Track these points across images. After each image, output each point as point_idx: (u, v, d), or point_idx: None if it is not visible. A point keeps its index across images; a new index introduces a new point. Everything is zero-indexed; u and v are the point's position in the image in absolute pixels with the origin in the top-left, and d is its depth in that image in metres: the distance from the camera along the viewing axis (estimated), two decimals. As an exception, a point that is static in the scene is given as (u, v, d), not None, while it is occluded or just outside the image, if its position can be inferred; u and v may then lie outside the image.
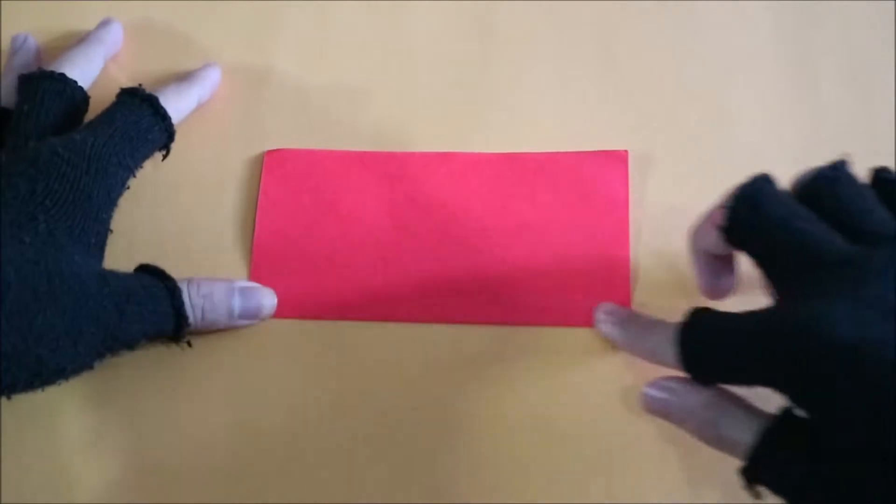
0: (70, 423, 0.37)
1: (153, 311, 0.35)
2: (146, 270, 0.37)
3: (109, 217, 0.38)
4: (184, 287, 0.36)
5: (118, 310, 0.34)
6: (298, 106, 0.44)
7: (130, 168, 0.39)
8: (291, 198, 0.41)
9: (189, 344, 0.38)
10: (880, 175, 0.31)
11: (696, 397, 0.31)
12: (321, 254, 0.40)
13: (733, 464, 0.29)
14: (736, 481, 0.29)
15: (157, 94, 0.40)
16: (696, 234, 0.34)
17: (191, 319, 0.36)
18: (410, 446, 0.36)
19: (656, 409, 0.33)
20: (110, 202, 0.38)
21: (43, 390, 0.34)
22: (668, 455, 0.35)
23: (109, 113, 0.39)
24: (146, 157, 0.40)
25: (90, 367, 0.35)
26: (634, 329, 0.35)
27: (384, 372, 0.38)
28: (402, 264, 0.39)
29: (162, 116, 0.40)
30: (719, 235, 0.32)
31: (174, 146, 0.42)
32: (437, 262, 0.39)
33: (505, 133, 0.42)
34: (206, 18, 0.46)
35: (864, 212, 0.30)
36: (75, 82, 0.41)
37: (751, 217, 0.31)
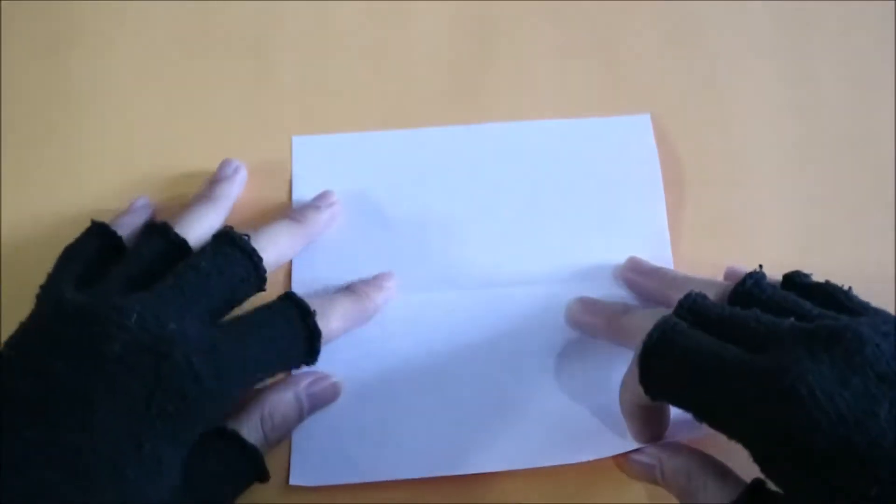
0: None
1: None
2: (222, 436, 0.32)
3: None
4: (256, 422, 0.33)
5: None
6: (298, 106, 0.44)
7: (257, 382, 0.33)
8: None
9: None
10: (794, 279, 0.32)
11: (675, 463, 0.32)
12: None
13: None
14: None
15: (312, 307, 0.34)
16: (622, 389, 0.33)
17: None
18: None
19: (641, 473, 0.34)
20: (221, 415, 0.32)
21: None
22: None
23: (260, 318, 0.33)
24: (279, 371, 0.35)
25: None
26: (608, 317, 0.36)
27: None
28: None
29: (311, 333, 0.34)
30: (640, 388, 0.31)
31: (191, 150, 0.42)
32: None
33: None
34: (207, 18, 0.46)
35: (796, 299, 0.30)
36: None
37: (662, 363, 0.29)
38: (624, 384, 0.33)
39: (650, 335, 0.30)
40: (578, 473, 0.35)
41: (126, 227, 0.37)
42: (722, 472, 0.31)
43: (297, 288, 0.38)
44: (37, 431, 0.27)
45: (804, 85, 0.43)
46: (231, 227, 0.34)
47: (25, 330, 0.32)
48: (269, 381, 0.35)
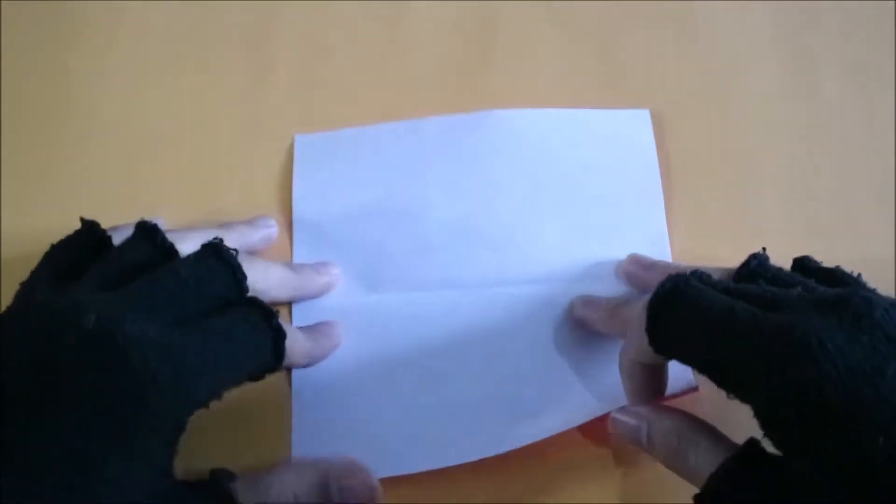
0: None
1: None
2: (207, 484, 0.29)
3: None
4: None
5: None
6: (298, 106, 0.44)
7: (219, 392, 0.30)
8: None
9: None
10: (803, 263, 0.32)
11: (665, 424, 0.31)
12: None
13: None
14: None
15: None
16: (624, 347, 0.33)
17: None
18: None
19: (626, 435, 0.33)
20: (184, 422, 0.29)
21: None
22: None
23: (223, 320, 0.30)
24: (245, 375, 0.31)
25: None
26: (607, 306, 0.36)
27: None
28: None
29: (276, 334, 0.32)
30: (646, 339, 0.30)
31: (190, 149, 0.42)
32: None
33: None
34: (207, 18, 0.46)
35: (798, 278, 0.30)
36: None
37: (677, 299, 0.29)
38: (628, 340, 0.33)
39: (662, 285, 0.30)
40: (578, 473, 0.35)
41: (125, 232, 0.34)
42: (714, 435, 0.30)
43: None
44: None
45: (804, 84, 0.43)
46: (221, 240, 0.32)
47: None
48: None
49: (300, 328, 0.37)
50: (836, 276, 0.30)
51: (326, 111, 0.43)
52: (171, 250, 0.32)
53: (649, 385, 0.33)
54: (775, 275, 0.31)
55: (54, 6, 0.46)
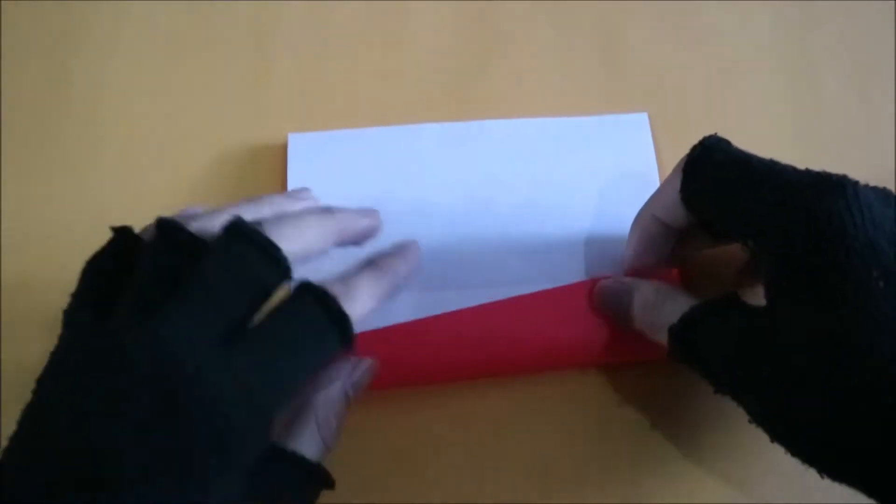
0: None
1: None
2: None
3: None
4: (313, 430, 0.30)
5: None
6: (297, 104, 0.44)
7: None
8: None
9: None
10: None
11: (646, 285, 0.33)
12: None
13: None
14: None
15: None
16: (648, 201, 0.35)
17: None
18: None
19: (610, 302, 0.35)
20: (266, 441, 0.28)
21: None
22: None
23: (282, 323, 0.28)
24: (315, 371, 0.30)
25: None
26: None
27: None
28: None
29: (340, 320, 0.29)
30: (677, 193, 0.32)
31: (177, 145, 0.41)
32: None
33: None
34: (206, 17, 0.46)
35: None
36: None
37: (715, 152, 0.31)
38: (654, 195, 0.34)
39: (693, 148, 0.32)
40: (576, 473, 0.35)
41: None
42: (692, 295, 0.32)
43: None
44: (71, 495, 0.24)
45: (804, 85, 0.43)
46: (240, 218, 0.29)
47: (54, 370, 0.28)
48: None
49: (366, 269, 0.32)
50: None
51: (326, 111, 0.43)
52: (196, 244, 0.28)
53: (657, 246, 0.34)
54: None
55: (55, 6, 0.46)
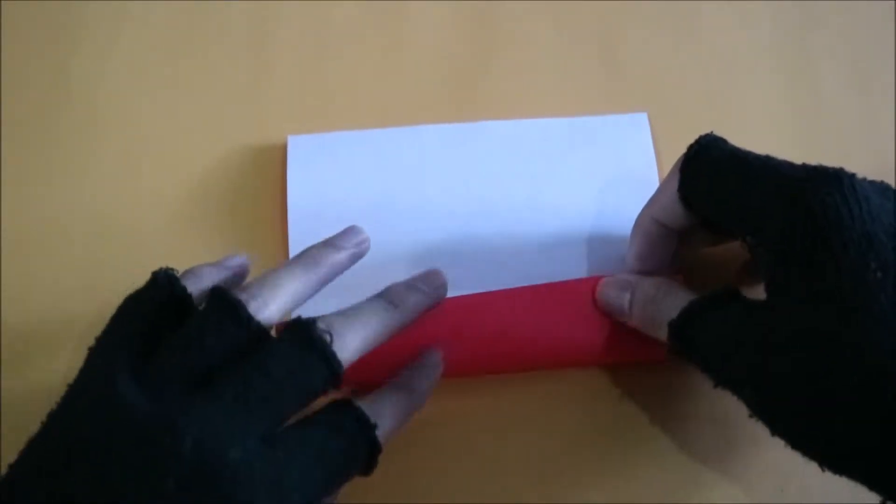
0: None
1: None
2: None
3: None
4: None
5: None
6: (297, 105, 0.44)
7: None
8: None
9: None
10: None
11: (647, 282, 0.33)
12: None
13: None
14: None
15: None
16: (646, 206, 0.35)
17: None
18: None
19: (612, 303, 0.34)
20: None
21: None
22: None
23: (320, 434, 0.28)
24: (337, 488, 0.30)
25: None
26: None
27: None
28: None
29: (371, 446, 0.29)
30: (675, 193, 0.32)
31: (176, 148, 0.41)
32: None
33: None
34: (205, 18, 0.46)
35: None
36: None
37: (712, 149, 0.31)
38: (653, 197, 0.34)
39: (690, 147, 0.32)
40: (573, 474, 0.35)
41: (204, 281, 0.31)
42: (692, 290, 0.32)
43: None
44: None
45: (804, 85, 0.43)
46: (312, 323, 0.28)
47: (76, 416, 0.27)
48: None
49: (392, 388, 0.32)
50: None
51: (326, 111, 0.43)
52: (259, 331, 0.28)
53: (659, 250, 0.34)
54: None
55: (55, 6, 0.46)
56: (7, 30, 0.45)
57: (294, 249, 0.39)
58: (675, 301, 0.31)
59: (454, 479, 0.36)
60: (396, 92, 0.44)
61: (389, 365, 0.34)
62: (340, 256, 0.32)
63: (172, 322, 0.29)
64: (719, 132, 0.42)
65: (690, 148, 0.32)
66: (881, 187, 0.28)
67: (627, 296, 0.34)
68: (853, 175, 0.27)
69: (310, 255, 0.32)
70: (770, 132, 0.42)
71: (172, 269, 0.30)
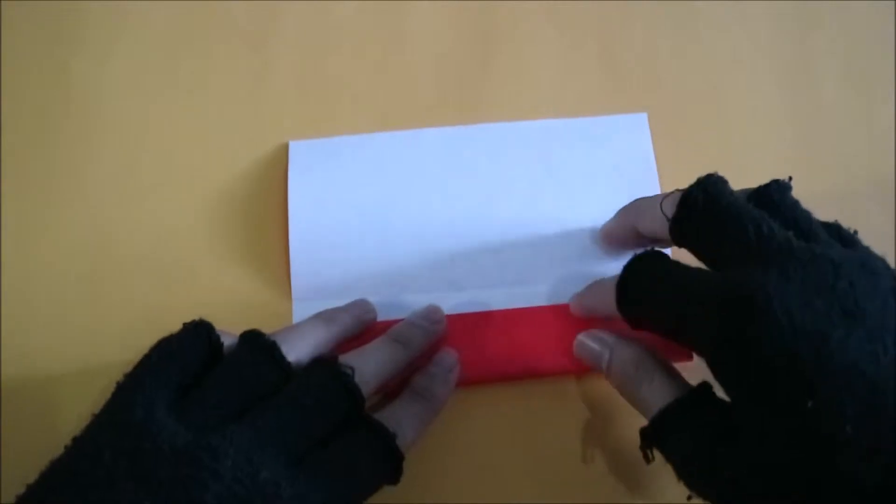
0: (71, 422, 0.37)
1: None
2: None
3: None
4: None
5: None
6: (298, 107, 0.44)
7: None
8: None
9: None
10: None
11: (626, 353, 0.33)
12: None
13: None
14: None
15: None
16: (639, 212, 0.35)
17: None
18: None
19: (588, 357, 0.35)
20: None
21: None
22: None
23: (345, 454, 0.30)
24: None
25: None
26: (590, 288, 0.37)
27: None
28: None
29: (394, 458, 0.31)
30: (665, 224, 0.32)
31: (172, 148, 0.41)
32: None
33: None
34: (206, 19, 0.46)
35: (810, 218, 0.30)
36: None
37: (706, 203, 0.31)
38: (641, 210, 0.35)
39: (628, 263, 0.32)
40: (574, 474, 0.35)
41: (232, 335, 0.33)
42: (671, 373, 0.32)
43: (297, 290, 0.39)
44: None
45: (804, 85, 0.43)
46: (335, 359, 0.31)
47: (103, 442, 0.28)
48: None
49: (409, 397, 0.35)
50: (833, 230, 0.31)
51: (326, 113, 0.43)
52: (290, 371, 0.31)
53: (630, 245, 0.36)
54: (789, 206, 0.31)
55: (55, 6, 0.46)
56: (7, 30, 0.45)
57: (295, 255, 0.39)
58: (653, 390, 0.31)
59: (454, 480, 0.36)
60: (396, 92, 0.44)
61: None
62: (347, 318, 0.36)
63: (205, 367, 0.31)
64: (717, 131, 0.43)
65: (625, 269, 0.32)
66: (814, 284, 0.26)
67: (606, 356, 0.34)
68: (772, 296, 0.26)
69: (327, 313, 0.36)
70: (769, 132, 0.42)
71: (208, 322, 0.32)
